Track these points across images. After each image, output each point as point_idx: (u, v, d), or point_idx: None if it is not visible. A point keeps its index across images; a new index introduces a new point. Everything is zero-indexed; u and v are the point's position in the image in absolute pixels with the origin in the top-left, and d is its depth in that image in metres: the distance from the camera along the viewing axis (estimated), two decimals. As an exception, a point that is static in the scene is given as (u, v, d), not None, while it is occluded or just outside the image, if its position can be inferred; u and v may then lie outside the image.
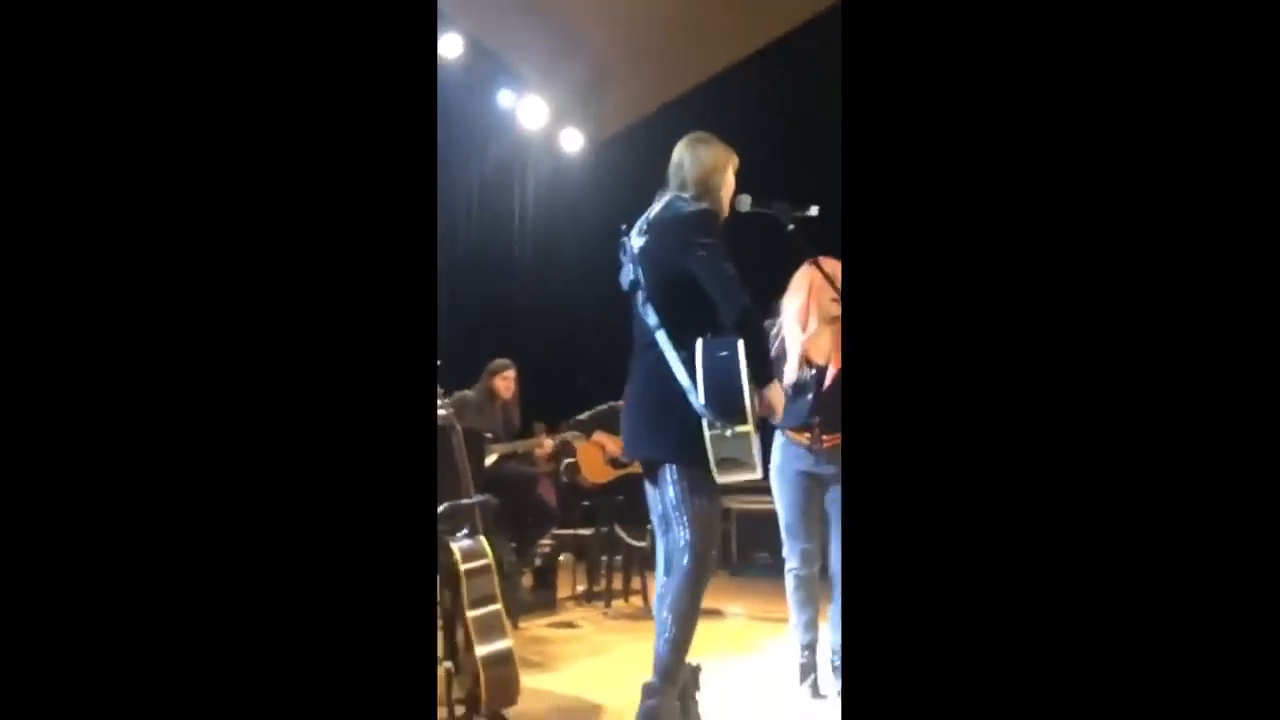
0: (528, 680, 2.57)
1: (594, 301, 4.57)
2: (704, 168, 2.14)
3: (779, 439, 2.75)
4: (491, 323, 5.71)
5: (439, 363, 2.01)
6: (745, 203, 2.16)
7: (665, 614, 2.01)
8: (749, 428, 1.93)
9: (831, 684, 2.73)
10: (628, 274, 2.13)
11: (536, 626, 3.96)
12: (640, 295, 2.09)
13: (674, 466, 2.04)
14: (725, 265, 1.99)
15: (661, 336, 2.02)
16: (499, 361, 4.38)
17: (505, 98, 5.78)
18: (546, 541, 4.41)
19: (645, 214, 2.19)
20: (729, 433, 1.92)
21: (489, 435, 4.19)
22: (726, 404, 1.93)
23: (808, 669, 2.76)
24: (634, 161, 3.07)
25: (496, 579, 2.39)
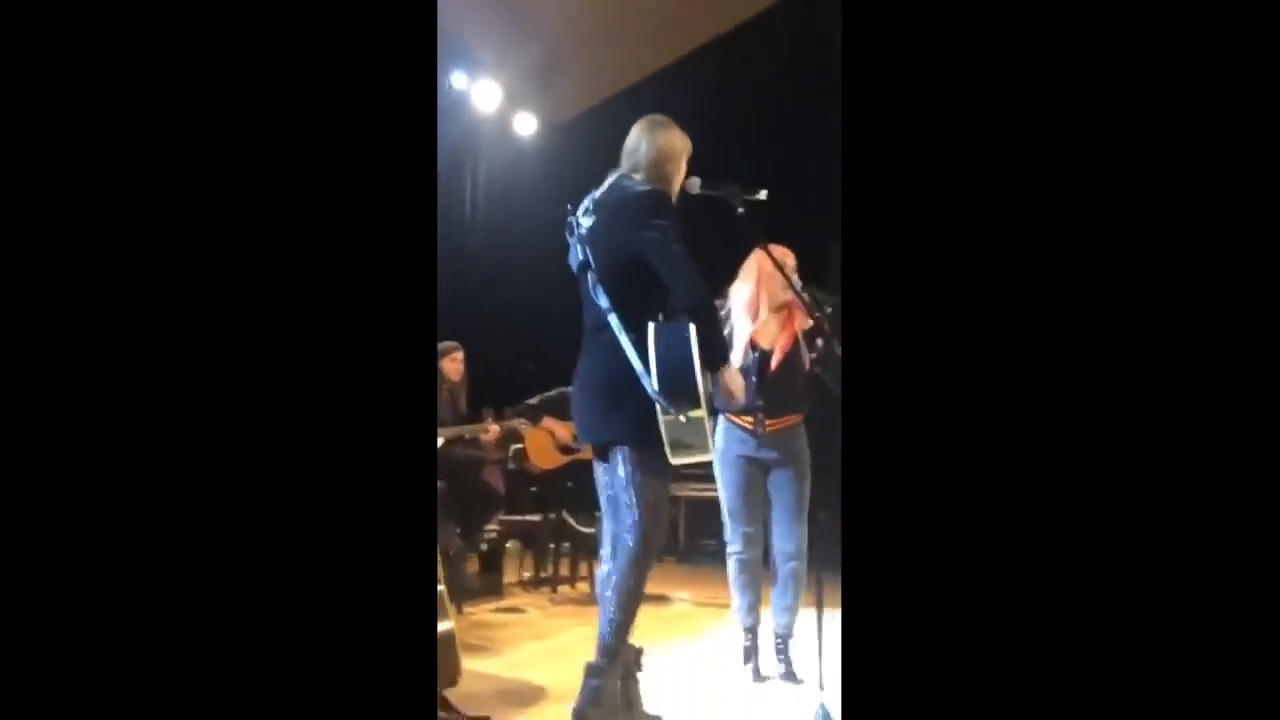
0: (471, 664, 2.56)
1: (544, 287, 4.54)
2: (660, 152, 2.13)
3: (722, 423, 2.77)
4: (440, 305, 5.64)
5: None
6: (695, 184, 2.16)
7: (609, 594, 2.02)
8: (702, 413, 1.94)
9: (774, 666, 2.76)
10: (576, 255, 2.11)
11: (482, 611, 3.94)
12: (590, 277, 2.07)
13: (626, 448, 2.03)
14: (677, 247, 1.99)
15: (613, 319, 2.00)
16: (447, 344, 4.33)
17: (458, 80, 5.71)
18: (493, 527, 4.38)
19: (591, 193, 2.17)
20: (683, 418, 1.93)
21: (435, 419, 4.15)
22: (679, 390, 1.93)
23: (750, 652, 2.78)
24: (588, 147, 3.05)
25: (440, 561, 2.37)
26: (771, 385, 2.71)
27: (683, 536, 6.08)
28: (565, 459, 4.74)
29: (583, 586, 4.61)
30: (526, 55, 5.74)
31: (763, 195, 2.13)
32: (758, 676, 2.75)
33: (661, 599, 4.42)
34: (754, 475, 2.77)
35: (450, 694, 2.20)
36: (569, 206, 2.17)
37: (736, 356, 2.64)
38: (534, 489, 4.86)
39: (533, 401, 4.49)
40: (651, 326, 1.98)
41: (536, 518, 4.64)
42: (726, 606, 3.03)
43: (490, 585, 4.39)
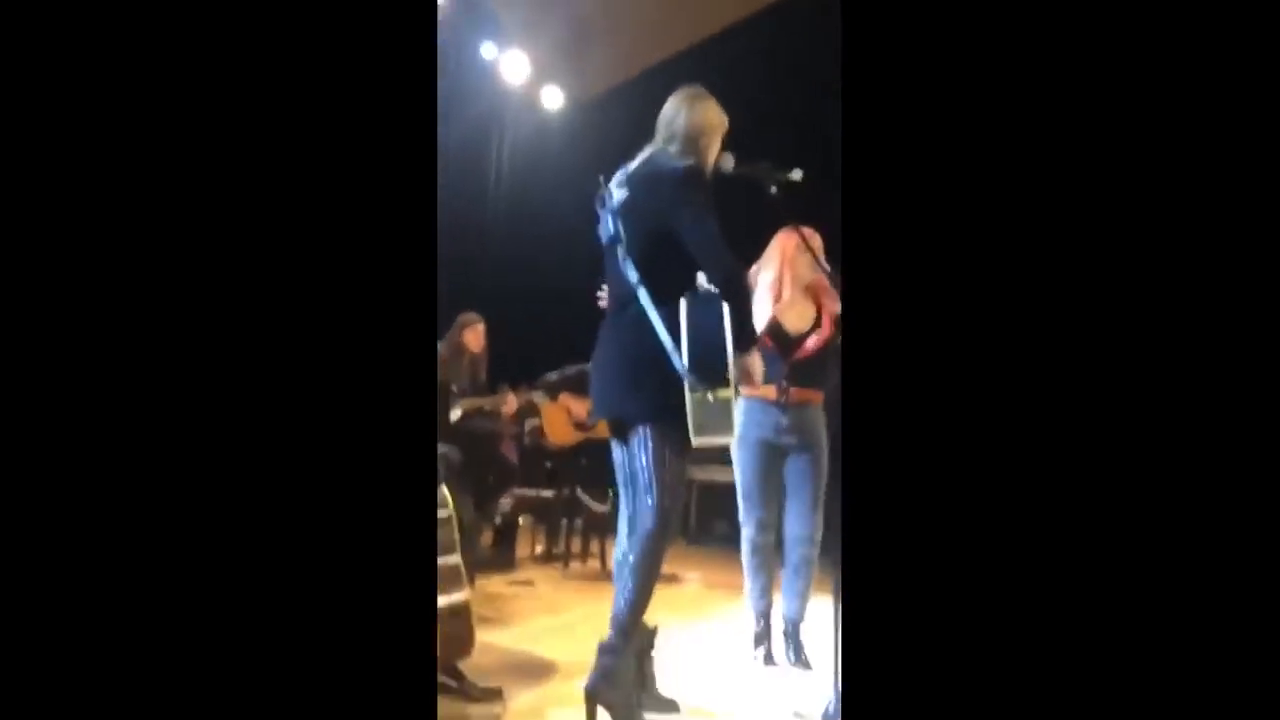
0: (482, 635, 2.56)
1: (567, 262, 4.52)
2: (697, 125, 2.09)
3: (741, 404, 2.74)
4: (462, 277, 5.64)
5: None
6: (729, 162, 2.12)
7: (627, 574, 2.00)
8: (731, 392, 1.90)
9: (784, 652, 2.75)
10: (606, 228, 2.08)
11: (494, 584, 3.95)
12: (620, 250, 2.04)
13: (649, 427, 2.00)
14: (711, 224, 1.95)
15: (643, 294, 1.97)
16: (469, 315, 4.33)
17: (488, 50, 5.67)
18: (507, 500, 4.39)
19: (625, 166, 2.14)
20: (711, 396, 1.89)
21: (455, 389, 4.15)
22: (710, 367, 1.89)
23: (761, 636, 2.78)
24: (615, 123, 3.01)
25: (457, 532, 2.36)
26: (800, 365, 2.70)
27: (694, 519, 6.09)
28: (581, 435, 4.73)
29: (594, 563, 4.62)
30: (557, 27, 5.69)
31: (797, 175, 2.09)
32: (769, 660, 2.74)
33: (673, 578, 4.42)
34: (771, 459, 2.75)
35: (463, 666, 2.20)
36: (601, 179, 2.14)
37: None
38: (548, 464, 4.86)
39: (552, 377, 4.49)
40: (684, 301, 1.94)
41: (550, 493, 4.64)
42: (737, 588, 3.02)
43: (503, 558, 4.41)
